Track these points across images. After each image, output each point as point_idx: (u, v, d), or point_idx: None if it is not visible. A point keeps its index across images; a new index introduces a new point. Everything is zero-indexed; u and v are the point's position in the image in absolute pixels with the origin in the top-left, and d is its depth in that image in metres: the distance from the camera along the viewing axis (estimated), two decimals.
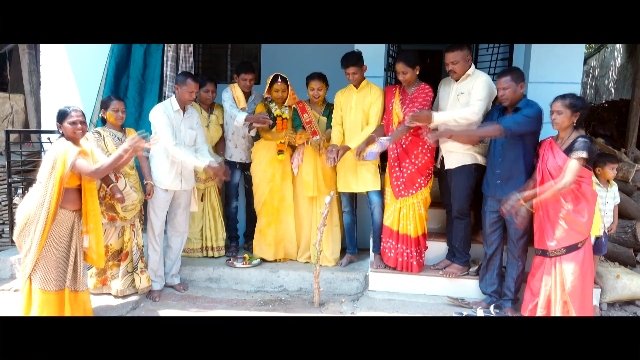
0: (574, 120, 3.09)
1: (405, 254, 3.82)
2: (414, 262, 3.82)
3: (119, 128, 3.62)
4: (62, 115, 3.05)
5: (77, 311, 3.10)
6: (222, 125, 4.39)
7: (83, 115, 3.10)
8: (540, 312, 3.24)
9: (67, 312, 3.04)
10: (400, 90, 3.81)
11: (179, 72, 4.32)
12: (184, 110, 3.72)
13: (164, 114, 3.58)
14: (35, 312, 2.97)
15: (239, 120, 4.05)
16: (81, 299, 3.15)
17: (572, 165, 3.03)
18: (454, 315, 3.48)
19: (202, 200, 4.29)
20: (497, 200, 3.40)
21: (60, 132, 3.09)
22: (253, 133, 4.23)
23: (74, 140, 3.06)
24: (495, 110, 3.48)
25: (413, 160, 3.75)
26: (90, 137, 3.44)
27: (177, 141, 3.63)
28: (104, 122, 3.63)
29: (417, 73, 3.70)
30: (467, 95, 3.51)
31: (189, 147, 3.74)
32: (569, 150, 3.08)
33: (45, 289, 2.97)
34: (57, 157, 2.92)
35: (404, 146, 3.76)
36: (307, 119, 4.08)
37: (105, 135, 3.52)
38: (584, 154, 3.01)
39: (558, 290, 3.16)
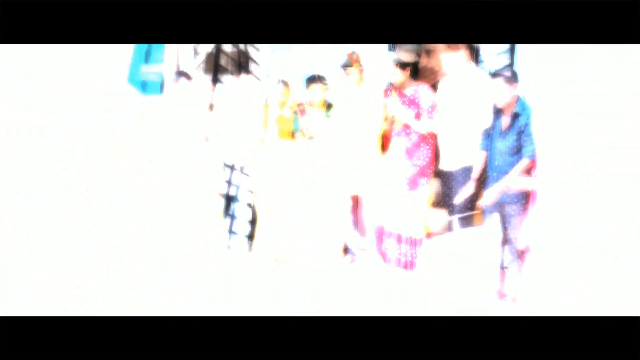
0: None
1: (409, 254, 3.83)
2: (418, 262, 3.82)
3: None
4: None
5: None
6: None
7: None
8: None
9: None
10: (397, 92, 3.81)
11: None
12: None
13: None
14: None
15: None
16: None
17: None
18: None
19: None
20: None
21: None
22: None
23: None
24: (493, 112, 3.45)
25: (415, 162, 3.76)
26: None
27: None
28: None
29: (408, 74, 3.70)
30: None
31: None
32: None
33: None
34: None
35: (404, 148, 3.77)
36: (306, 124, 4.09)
37: None
38: None
39: None
